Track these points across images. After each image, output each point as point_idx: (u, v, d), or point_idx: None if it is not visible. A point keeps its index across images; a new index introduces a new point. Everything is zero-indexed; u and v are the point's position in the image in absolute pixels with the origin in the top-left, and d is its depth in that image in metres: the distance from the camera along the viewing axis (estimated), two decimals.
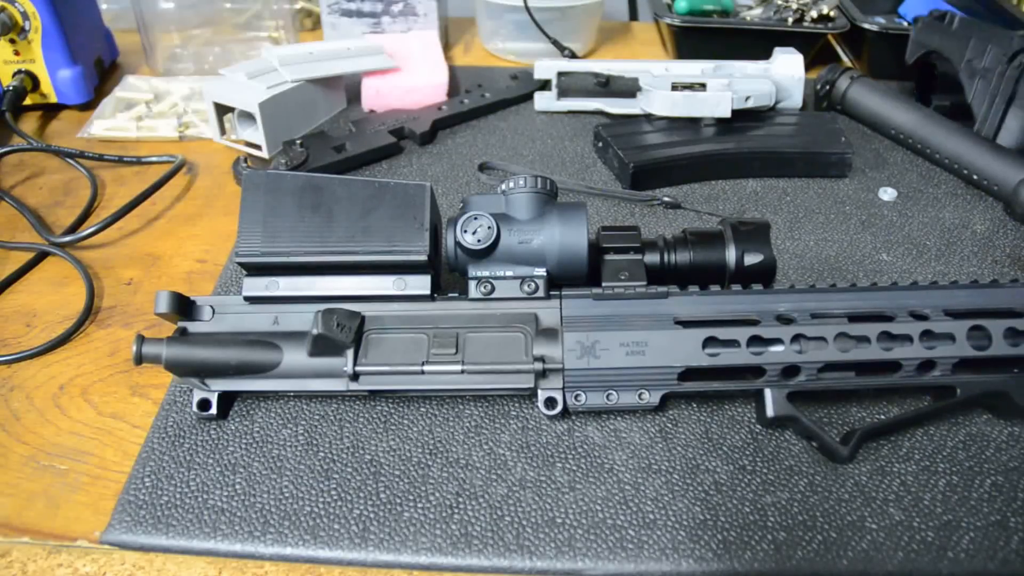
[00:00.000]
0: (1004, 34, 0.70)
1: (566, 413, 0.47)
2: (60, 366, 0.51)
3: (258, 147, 0.71)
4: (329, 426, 0.47)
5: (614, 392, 0.46)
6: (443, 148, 0.74)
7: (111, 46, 0.90)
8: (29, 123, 0.78)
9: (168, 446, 0.45)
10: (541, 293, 0.47)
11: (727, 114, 0.71)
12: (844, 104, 0.79)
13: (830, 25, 0.88)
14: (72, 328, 0.53)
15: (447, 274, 0.51)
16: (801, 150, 0.70)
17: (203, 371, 0.45)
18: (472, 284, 0.47)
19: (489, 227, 0.46)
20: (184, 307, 0.46)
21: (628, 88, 0.76)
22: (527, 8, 0.87)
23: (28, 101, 0.78)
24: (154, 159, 0.71)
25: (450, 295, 0.48)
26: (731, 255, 0.49)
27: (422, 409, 0.48)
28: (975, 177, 0.68)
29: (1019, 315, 0.45)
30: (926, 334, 0.45)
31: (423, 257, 0.45)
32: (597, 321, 0.46)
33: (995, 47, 0.69)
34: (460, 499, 0.43)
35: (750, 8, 0.95)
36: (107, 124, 0.75)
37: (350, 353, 0.45)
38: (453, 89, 0.83)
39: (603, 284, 0.47)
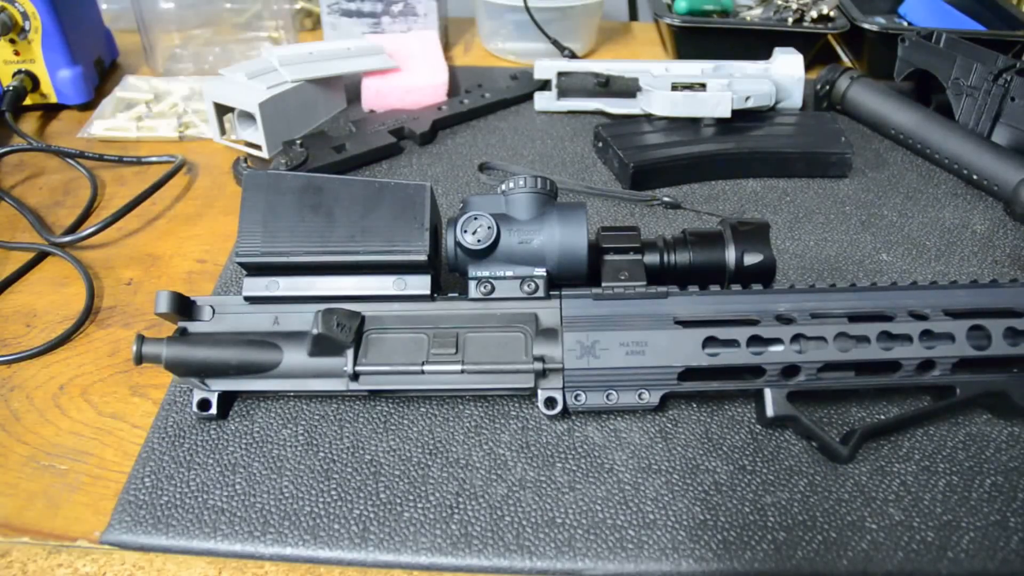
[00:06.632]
0: (989, 53, 0.71)
1: (566, 413, 0.47)
2: (60, 366, 0.51)
3: (258, 147, 0.71)
4: (329, 426, 0.47)
5: (614, 392, 0.46)
6: (443, 148, 0.74)
7: (111, 46, 0.90)
8: (29, 123, 0.78)
9: (168, 446, 0.45)
10: (541, 293, 0.47)
11: (727, 114, 0.71)
12: (844, 104, 0.79)
13: (830, 25, 0.88)
14: (72, 328, 0.53)
15: (447, 274, 0.51)
16: (801, 150, 0.70)
17: (203, 371, 0.45)
18: (472, 284, 0.47)
19: (489, 227, 0.46)
20: (184, 307, 0.46)
21: (628, 88, 0.76)
22: (527, 8, 0.87)
23: (28, 101, 0.78)
24: (154, 159, 0.71)
25: (450, 295, 0.48)
26: (731, 255, 0.49)
27: (422, 409, 0.48)
28: (975, 177, 0.68)
29: (1019, 315, 0.45)
30: (926, 334, 0.45)
31: (423, 257, 0.45)
32: (597, 321, 0.46)
33: (980, 66, 0.71)
34: (460, 499, 0.43)
35: (750, 8, 0.95)
36: (107, 124, 0.75)
37: (350, 353, 0.45)
38: (453, 89, 0.83)
39: (603, 284, 0.47)
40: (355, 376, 0.45)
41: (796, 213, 0.66)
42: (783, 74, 0.76)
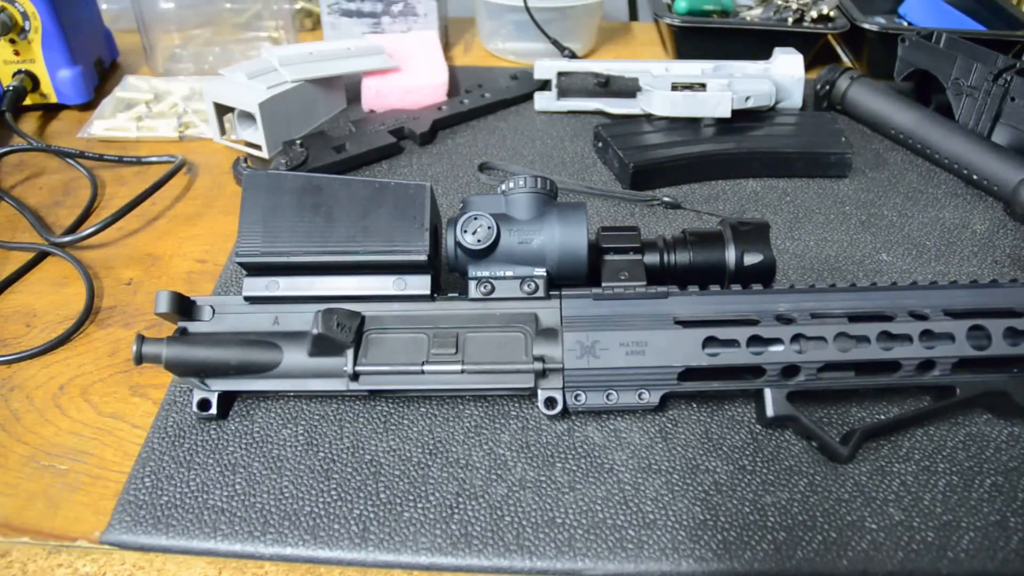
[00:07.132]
0: (989, 53, 0.71)
1: (566, 413, 0.47)
2: (60, 366, 0.51)
3: (258, 147, 0.71)
4: (329, 426, 0.47)
5: (614, 392, 0.46)
6: (443, 148, 0.74)
7: (111, 46, 0.90)
8: (29, 123, 0.78)
9: (168, 446, 0.45)
10: (541, 293, 0.47)
11: (727, 114, 0.71)
12: (844, 104, 0.79)
13: (830, 25, 0.88)
14: (72, 328, 0.53)
15: (447, 274, 0.51)
16: (801, 150, 0.70)
17: (203, 371, 0.45)
18: (472, 284, 0.47)
19: (489, 227, 0.46)
20: (184, 307, 0.46)
21: (628, 88, 0.76)
22: (527, 8, 0.87)
23: (28, 101, 0.78)
24: (154, 159, 0.71)
25: (450, 295, 0.48)
26: (731, 255, 0.49)
27: (422, 409, 0.48)
28: (975, 177, 0.68)
29: (1019, 315, 0.45)
30: (926, 334, 0.45)
31: (423, 257, 0.45)
32: (597, 321, 0.46)
33: (980, 66, 0.71)
34: (460, 499, 0.43)
35: (750, 8, 0.95)
36: (107, 124, 0.75)
37: (350, 353, 0.45)
38: (453, 89, 0.83)
39: (603, 284, 0.47)
40: (355, 376, 0.45)
41: (796, 213, 0.66)
42: (783, 74, 0.76)
